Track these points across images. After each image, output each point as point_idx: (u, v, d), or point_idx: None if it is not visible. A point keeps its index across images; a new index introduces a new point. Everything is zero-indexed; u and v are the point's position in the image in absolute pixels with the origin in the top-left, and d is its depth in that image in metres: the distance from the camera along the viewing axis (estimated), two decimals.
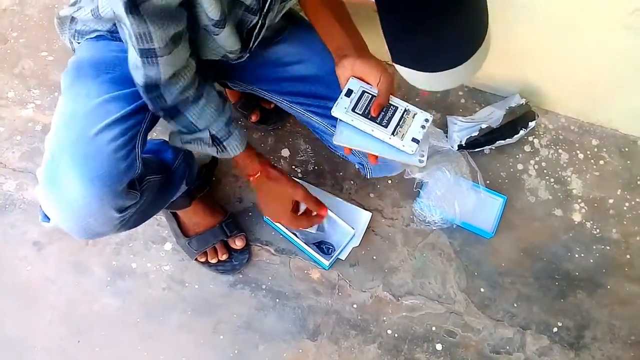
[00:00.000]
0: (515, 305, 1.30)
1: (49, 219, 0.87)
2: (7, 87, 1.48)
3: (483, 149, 1.44)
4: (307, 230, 1.29)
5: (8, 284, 1.28)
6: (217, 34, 0.83)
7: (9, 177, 1.38)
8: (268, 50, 1.03)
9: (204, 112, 0.90)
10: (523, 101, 1.42)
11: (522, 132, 1.42)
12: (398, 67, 0.72)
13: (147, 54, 0.75)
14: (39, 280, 1.29)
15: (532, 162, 1.44)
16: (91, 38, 0.95)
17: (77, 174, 0.80)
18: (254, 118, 1.42)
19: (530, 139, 1.47)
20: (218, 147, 0.95)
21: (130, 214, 0.90)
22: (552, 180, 1.42)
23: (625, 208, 1.40)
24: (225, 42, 0.86)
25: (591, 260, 1.35)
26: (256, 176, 1.04)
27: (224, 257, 1.29)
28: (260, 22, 0.86)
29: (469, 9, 0.65)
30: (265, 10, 0.85)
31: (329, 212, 1.31)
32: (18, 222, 1.34)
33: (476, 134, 1.39)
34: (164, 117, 0.89)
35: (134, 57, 0.78)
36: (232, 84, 1.12)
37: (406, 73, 0.72)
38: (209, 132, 0.92)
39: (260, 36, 0.91)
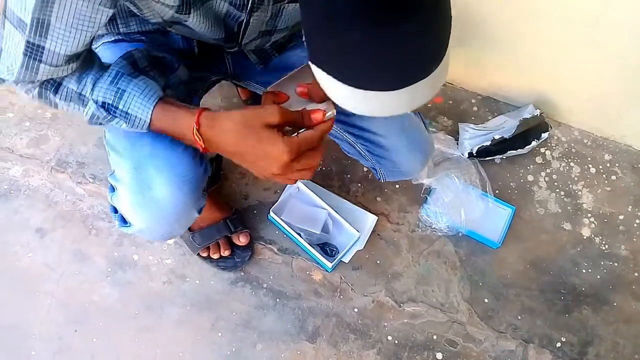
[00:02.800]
0: (519, 317, 1.28)
1: (128, 225, 0.90)
2: None
3: (494, 158, 1.42)
4: (311, 230, 1.28)
5: (8, 270, 1.28)
6: (185, 21, 0.76)
7: (16, 163, 1.38)
8: (282, 55, 1.01)
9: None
10: (537, 112, 1.40)
11: (534, 143, 1.40)
12: (314, 68, 0.57)
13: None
14: (40, 267, 1.28)
15: (542, 174, 1.42)
16: (108, 42, 0.90)
17: (166, 182, 0.83)
18: None
19: (542, 150, 1.45)
20: (115, 116, 0.75)
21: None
22: (562, 193, 1.40)
23: (635, 225, 1.38)
24: (199, 28, 0.79)
25: (598, 276, 1.33)
26: (199, 120, 0.72)
27: (226, 253, 1.28)
28: (246, 19, 0.79)
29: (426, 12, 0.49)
30: (249, 8, 0.77)
31: (334, 214, 1.30)
32: (22, 208, 1.33)
33: (488, 143, 1.37)
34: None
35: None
36: (246, 84, 1.10)
37: (324, 80, 0.56)
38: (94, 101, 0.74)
39: (250, 34, 0.84)
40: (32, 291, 1.26)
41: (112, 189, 0.91)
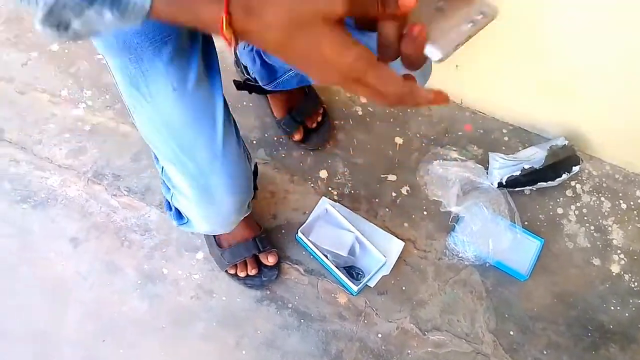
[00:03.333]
0: (545, 352, 1.27)
1: (185, 221, 1.01)
2: (62, 86, 1.52)
3: (523, 189, 1.42)
4: (338, 252, 1.29)
5: (41, 277, 1.31)
6: None
7: (54, 173, 1.42)
8: None
9: None
10: (568, 144, 1.40)
11: (564, 176, 1.40)
12: None
13: None
14: (72, 276, 1.31)
15: (572, 207, 1.42)
16: None
17: (229, 194, 0.91)
18: (296, 137, 1.43)
19: (573, 183, 1.44)
20: None
21: None
22: (592, 228, 1.39)
23: None
24: None
25: (627, 314, 1.31)
26: (228, 8, 0.47)
27: (253, 272, 1.30)
28: None
29: None
30: None
31: (361, 237, 1.31)
32: (58, 217, 1.37)
33: (517, 173, 1.37)
34: None
35: None
36: None
37: None
38: None
39: None
40: (63, 299, 1.29)
41: (167, 188, 0.95)
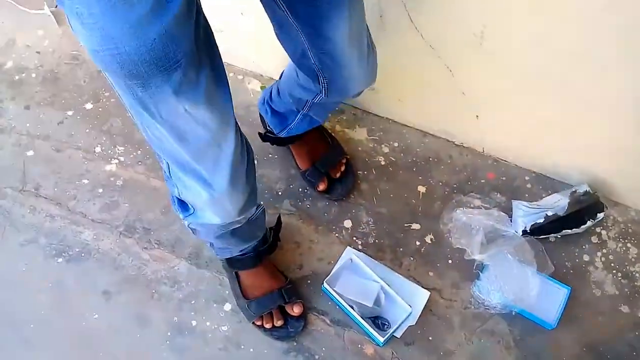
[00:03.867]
0: None
1: (190, 213, 1.05)
2: (95, 142, 1.59)
3: (548, 236, 1.42)
4: (364, 303, 1.30)
5: (75, 330, 1.35)
6: None
7: (88, 227, 1.47)
8: None
9: None
10: (591, 192, 1.41)
11: (589, 223, 1.40)
12: None
13: None
14: (104, 329, 1.35)
15: (599, 254, 1.41)
16: None
17: (234, 201, 1.01)
18: (321, 187, 1.47)
19: (598, 230, 1.44)
20: None
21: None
22: (619, 274, 1.38)
23: None
24: None
25: None
26: None
27: (279, 323, 1.31)
28: None
29: None
30: None
31: (387, 288, 1.32)
32: (91, 271, 1.41)
33: (541, 221, 1.38)
34: None
35: None
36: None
37: None
38: None
39: None
40: (95, 352, 1.33)
41: (172, 183, 1.00)
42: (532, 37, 1.18)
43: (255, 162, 1.52)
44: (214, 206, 0.99)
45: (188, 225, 1.10)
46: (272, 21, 1.03)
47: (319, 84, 1.11)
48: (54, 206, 1.50)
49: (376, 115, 1.61)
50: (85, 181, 1.54)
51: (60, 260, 1.43)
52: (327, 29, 0.95)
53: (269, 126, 1.42)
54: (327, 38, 0.97)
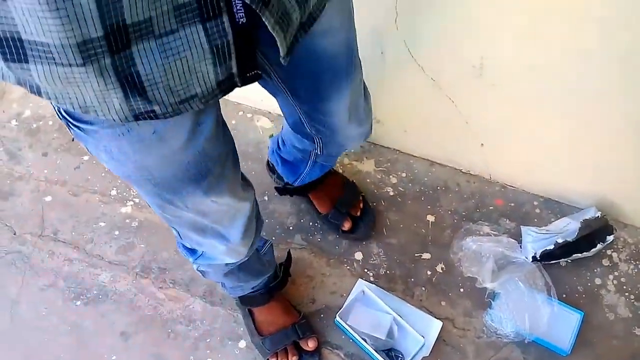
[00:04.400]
0: None
1: (199, 255, 1.05)
2: (111, 186, 1.64)
3: (559, 261, 1.42)
4: (377, 336, 1.31)
5: None
6: None
7: (105, 269, 1.51)
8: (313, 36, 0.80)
9: None
10: (600, 214, 1.41)
11: (599, 246, 1.40)
12: None
13: None
14: None
15: (610, 277, 1.41)
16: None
17: (244, 245, 1.02)
18: (347, 226, 1.47)
19: (609, 252, 1.44)
20: None
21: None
22: (632, 297, 1.38)
23: None
24: None
25: None
26: None
27: (294, 358, 1.33)
28: None
29: None
30: None
31: (399, 319, 1.33)
32: (109, 312, 1.45)
33: (551, 247, 1.38)
34: None
35: None
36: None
37: None
38: None
39: None
40: None
41: (175, 230, 0.99)
42: (530, 65, 1.20)
43: (266, 197, 1.57)
44: (228, 254, 1.02)
45: (197, 269, 1.13)
46: (268, 91, 1.00)
47: (314, 143, 1.13)
48: (71, 250, 1.55)
49: (383, 146, 1.64)
50: (102, 224, 1.58)
51: (78, 303, 1.47)
52: (326, 106, 0.96)
53: (281, 177, 1.43)
54: (325, 113, 0.98)
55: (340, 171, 1.58)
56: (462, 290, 1.42)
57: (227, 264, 1.09)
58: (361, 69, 1.01)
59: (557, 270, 1.41)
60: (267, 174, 1.53)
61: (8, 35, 0.50)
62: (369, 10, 1.22)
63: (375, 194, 1.57)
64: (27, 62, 0.52)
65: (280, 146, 1.34)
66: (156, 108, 0.58)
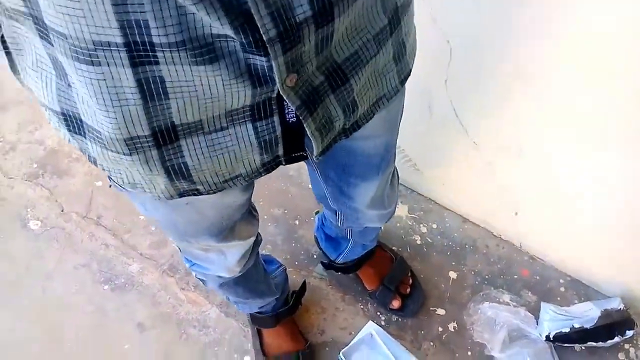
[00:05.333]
0: None
1: (194, 263, 1.06)
2: None
3: (573, 346, 1.40)
4: None
5: (105, 354, 1.46)
6: None
7: (136, 260, 1.60)
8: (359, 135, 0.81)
9: None
10: (623, 307, 1.38)
11: (617, 339, 1.37)
12: None
13: None
14: (131, 359, 1.45)
15: None
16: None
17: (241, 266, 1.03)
18: (395, 305, 1.46)
19: (627, 347, 1.40)
20: None
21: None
22: None
23: None
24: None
25: None
26: None
27: None
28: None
29: None
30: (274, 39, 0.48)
31: None
32: (131, 302, 1.53)
33: (567, 330, 1.37)
34: None
35: None
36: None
37: None
38: None
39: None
40: None
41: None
42: (569, 150, 1.20)
43: (297, 222, 1.62)
44: (221, 270, 1.04)
45: (196, 276, 1.16)
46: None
47: (336, 216, 1.15)
48: (110, 236, 1.64)
49: (419, 194, 1.66)
50: (142, 217, 1.67)
51: (106, 287, 1.56)
52: (351, 191, 0.98)
53: (325, 252, 1.46)
54: (349, 196, 1.00)
55: None
56: (469, 353, 1.42)
57: (219, 276, 1.11)
58: (394, 162, 1.01)
59: (570, 354, 1.39)
60: (303, 198, 1.58)
61: (70, 113, 0.56)
62: (422, 67, 1.25)
63: (403, 240, 1.59)
64: (85, 137, 0.58)
65: (324, 222, 1.36)
66: (200, 187, 0.63)
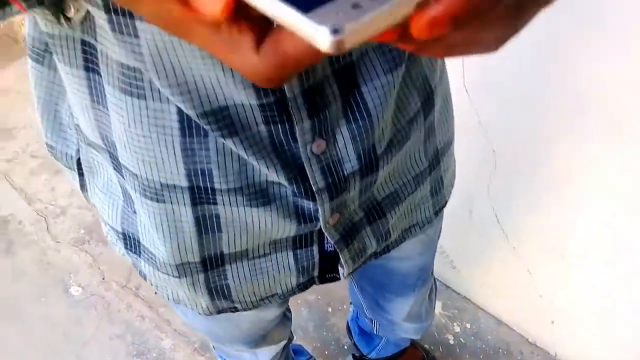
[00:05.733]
0: None
1: None
2: None
3: None
4: None
5: None
6: None
7: (169, 336, 1.62)
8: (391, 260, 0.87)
9: None
10: None
11: None
12: None
13: None
14: None
15: None
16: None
17: None
18: None
19: None
20: None
21: None
22: None
23: None
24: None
25: None
26: None
27: None
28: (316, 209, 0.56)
29: None
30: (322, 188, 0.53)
31: None
32: None
33: None
34: None
35: None
36: None
37: None
38: None
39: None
40: None
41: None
42: (618, 252, 1.19)
43: (330, 309, 1.63)
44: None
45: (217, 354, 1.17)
46: None
47: (372, 323, 1.16)
48: (146, 308, 1.68)
49: (455, 291, 1.65)
50: None
51: None
52: (389, 306, 1.00)
53: (357, 345, 1.47)
54: (385, 310, 1.02)
55: None
56: None
57: None
58: (432, 278, 1.03)
59: None
60: (337, 285, 1.58)
61: (130, 234, 0.62)
62: (465, 172, 1.29)
63: (436, 338, 1.58)
64: (139, 256, 0.63)
65: (359, 314, 1.37)
66: (238, 305, 0.67)
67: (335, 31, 0.20)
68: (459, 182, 1.09)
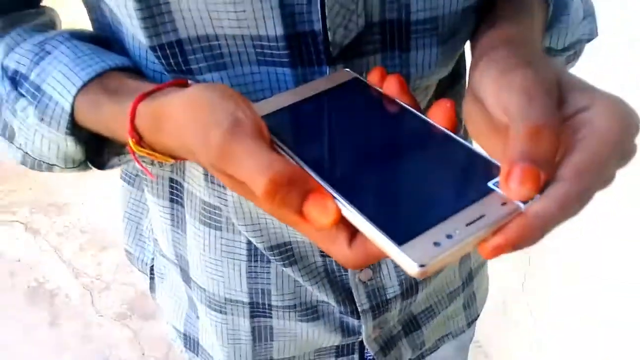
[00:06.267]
0: None
1: None
2: None
3: None
4: None
5: None
6: None
7: None
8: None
9: None
10: None
11: None
12: None
13: None
14: None
15: None
16: None
17: None
18: None
19: None
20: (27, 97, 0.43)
21: None
22: None
23: None
24: None
25: None
26: (135, 109, 0.38)
27: None
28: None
29: None
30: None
31: None
32: None
33: None
34: None
35: None
36: None
37: None
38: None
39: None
40: None
41: None
42: None
43: None
44: None
45: None
46: None
47: None
48: None
49: None
50: None
51: None
52: None
53: None
54: None
55: None
56: None
57: None
58: None
59: None
60: None
61: (192, 335, 0.69)
62: (499, 270, 1.33)
63: None
64: (197, 356, 0.70)
65: None
66: None
67: (421, 266, 0.27)
68: (492, 279, 1.14)
